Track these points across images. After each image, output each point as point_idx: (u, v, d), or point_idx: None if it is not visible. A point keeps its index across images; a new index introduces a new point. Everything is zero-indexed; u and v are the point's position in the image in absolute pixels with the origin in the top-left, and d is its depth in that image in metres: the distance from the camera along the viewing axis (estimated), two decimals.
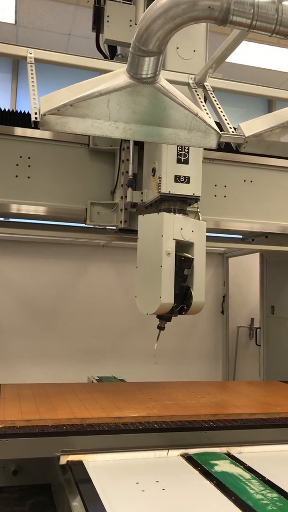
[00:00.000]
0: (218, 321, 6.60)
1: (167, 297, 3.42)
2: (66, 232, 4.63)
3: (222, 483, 2.45)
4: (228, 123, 3.10)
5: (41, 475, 3.61)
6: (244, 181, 4.85)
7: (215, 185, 4.73)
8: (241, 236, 5.45)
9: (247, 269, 6.55)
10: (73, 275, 6.01)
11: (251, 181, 4.86)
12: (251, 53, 6.23)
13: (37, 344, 5.75)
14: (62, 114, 2.63)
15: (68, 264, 5.98)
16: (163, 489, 2.41)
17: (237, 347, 6.62)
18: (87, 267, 6.07)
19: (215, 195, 4.73)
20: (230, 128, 3.06)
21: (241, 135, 2.93)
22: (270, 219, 4.91)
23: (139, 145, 4.09)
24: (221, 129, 3.07)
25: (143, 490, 2.38)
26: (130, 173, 4.01)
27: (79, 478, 2.51)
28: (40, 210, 4.21)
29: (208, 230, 4.80)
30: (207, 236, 5.06)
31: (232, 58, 6.32)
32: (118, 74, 2.61)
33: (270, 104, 7.31)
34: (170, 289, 3.43)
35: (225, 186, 4.77)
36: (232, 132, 3.03)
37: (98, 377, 5.36)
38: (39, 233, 4.57)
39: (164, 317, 3.64)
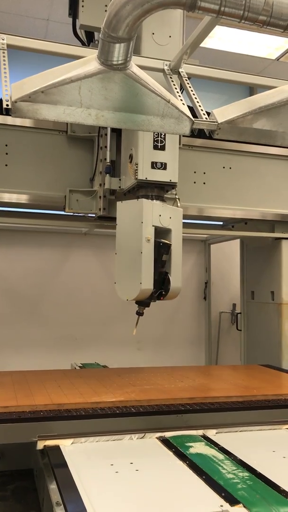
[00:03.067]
0: (201, 307, 6.65)
1: (147, 283, 3.47)
2: (45, 220, 4.62)
3: (195, 464, 2.49)
4: (202, 110, 3.12)
5: (23, 460, 3.65)
6: (223, 167, 4.88)
7: (194, 172, 4.76)
8: (221, 223, 5.50)
9: (229, 256, 6.60)
10: (56, 263, 6.01)
11: (230, 168, 4.90)
12: (231, 39, 6.21)
13: (19, 332, 5.76)
14: (34, 101, 2.63)
15: (50, 252, 5.97)
16: (137, 470, 2.46)
17: (220, 332, 6.69)
18: (70, 255, 6.07)
19: (194, 182, 4.76)
20: (204, 114, 3.07)
21: (214, 122, 2.94)
22: (250, 205, 4.97)
23: (117, 132, 4.09)
24: (195, 116, 3.10)
25: (116, 472, 2.43)
26: (108, 160, 4.02)
27: (55, 462, 2.54)
28: (19, 198, 4.21)
29: (189, 217, 4.88)
30: (187, 223, 5.13)
31: (212, 44, 6.34)
32: (89, 61, 2.60)
33: (251, 91, 7.31)
34: (150, 275, 3.48)
35: (204, 173, 4.80)
36: (206, 118, 3.04)
37: (81, 363, 5.39)
38: (18, 221, 4.56)
39: (143, 303, 3.69)
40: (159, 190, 3.65)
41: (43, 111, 2.67)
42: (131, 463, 2.54)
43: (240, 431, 3.16)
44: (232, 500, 2.08)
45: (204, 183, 4.79)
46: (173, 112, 2.81)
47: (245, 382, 4.20)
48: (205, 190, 4.79)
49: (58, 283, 5.99)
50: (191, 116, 2.85)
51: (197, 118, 3.05)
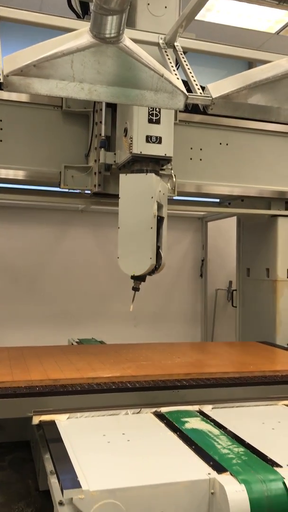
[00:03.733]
0: (197, 284, 6.70)
1: (154, 258, 3.53)
2: (42, 196, 4.61)
3: (188, 438, 2.52)
4: (196, 84, 3.09)
5: (20, 432, 3.73)
6: (220, 144, 4.85)
7: (191, 148, 4.74)
8: (218, 200, 5.49)
9: (225, 233, 6.61)
10: (53, 240, 6.03)
11: (227, 144, 4.87)
12: (230, 12, 6.09)
13: (17, 308, 5.81)
14: (26, 75, 2.61)
15: (47, 229, 5.99)
16: (128, 440, 2.52)
17: (216, 309, 6.75)
18: (67, 232, 6.09)
19: (191, 158, 4.74)
20: (199, 89, 3.05)
21: (208, 97, 2.92)
22: (247, 182, 4.95)
23: (113, 107, 4.06)
24: (191, 91, 3.07)
25: (108, 442, 2.49)
26: (103, 134, 3.99)
27: (50, 437, 2.57)
28: (14, 174, 4.19)
29: (185, 194, 4.88)
30: (184, 200, 5.13)
31: (211, 18, 6.21)
32: (81, 34, 2.57)
33: (251, 66, 7.20)
34: (155, 249, 3.53)
35: (200, 149, 4.78)
36: (200, 93, 3.01)
37: (78, 339, 5.45)
38: (14, 197, 4.55)
39: (140, 278, 3.69)
40: (154, 165, 3.64)
41: (36, 85, 2.65)
42: (123, 433, 2.60)
43: (237, 406, 3.17)
44: (219, 469, 2.15)
45: (200, 159, 4.77)
46: (167, 87, 2.78)
47: (242, 358, 4.22)
48: (202, 166, 4.77)
49: (56, 260, 6.02)
50: (185, 91, 2.83)
51: (192, 93, 3.02)
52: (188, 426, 2.70)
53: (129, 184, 3.53)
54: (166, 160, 3.64)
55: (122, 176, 3.55)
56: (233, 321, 6.05)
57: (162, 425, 2.77)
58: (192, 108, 3.01)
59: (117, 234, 3.55)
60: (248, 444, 2.47)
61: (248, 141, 4.93)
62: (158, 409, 2.99)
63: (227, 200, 5.32)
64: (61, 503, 2.01)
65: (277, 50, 3.96)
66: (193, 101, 2.91)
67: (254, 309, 5.43)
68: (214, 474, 2.11)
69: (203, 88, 3.05)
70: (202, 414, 2.96)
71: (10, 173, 4.17)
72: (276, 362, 4.13)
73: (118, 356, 3.98)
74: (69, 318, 5.97)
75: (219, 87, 2.95)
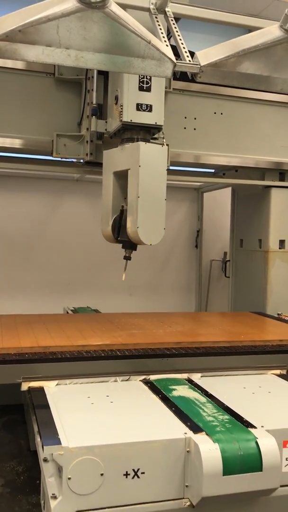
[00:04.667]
0: (192, 255, 6.74)
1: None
2: (35, 165, 4.60)
3: (171, 401, 2.59)
4: (186, 52, 3.05)
5: (14, 396, 3.82)
6: (215, 113, 4.81)
7: (185, 117, 4.70)
8: (212, 170, 5.48)
9: (221, 204, 6.60)
10: (48, 209, 6.03)
11: (222, 114, 4.83)
12: None
13: (13, 276, 5.86)
14: (11, 41, 2.58)
15: (43, 198, 5.99)
16: (111, 402, 2.61)
17: (210, 279, 6.80)
18: (62, 201, 6.09)
19: (185, 128, 4.71)
20: (188, 57, 3.01)
21: (196, 64, 2.89)
22: (241, 152, 4.93)
23: (105, 74, 4.01)
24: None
25: (92, 403, 2.59)
26: (95, 102, 3.97)
27: (37, 401, 2.64)
28: (5, 142, 4.17)
29: (179, 164, 4.87)
30: (178, 170, 5.12)
31: None
32: None
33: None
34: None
35: (195, 119, 4.74)
36: (189, 61, 2.98)
37: (73, 307, 5.52)
38: (6, 165, 4.53)
39: (132, 246, 3.71)
40: (144, 133, 3.62)
41: (22, 51, 2.62)
42: (107, 396, 2.70)
43: (226, 375, 3.21)
44: (195, 429, 2.24)
45: (194, 129, 4.74)
46: (154, 54, 2.75)
47: (234, 328, 4.22)
48: (196, 136, 4.74)
49: (51, 229, 6.04)
50: (173, 58, 2.80)
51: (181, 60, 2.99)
52: (175, 393, 2.75)
53: (149, 154, 3.47)
54: (157, 128, 3.61)
55: (142, 145, 3.46)
56: (226, 292, 6.11)
57: (147, 390, 2.84)
58: (179, 75, 2.97)
59: (133, 203, 3.49)
60: (226, 407, 2.55)
61: (243, 110, 4.88)
62: (147, 377, 3.04)
63: (221, 171, 5.30)
64: (45, 460, 2.12)
65: (277, 17, 3.87)
66: (181, 69, 2.88)
67: (246, 279, 5.48)
68: (190, 433, 2.20)
69: (192, 55, 3.01)
70: (191, 382, 3.01)
71: (2, 141, 4.15)
72: (267, 332, 4.16)
73: (110, 325, 4.02)
74: (64, 286, 6.03)
75: (208, 54, 2.92)
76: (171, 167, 4.59)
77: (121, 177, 3.64)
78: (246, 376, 3.21)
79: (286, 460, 2.30)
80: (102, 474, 2.06)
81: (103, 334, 3.61)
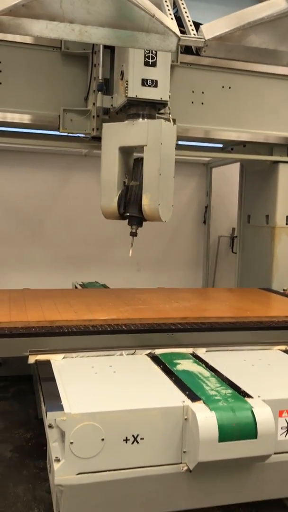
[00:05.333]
0: (200, 231, 6.76)
1: None
2: (42, 140, 4.61)
3: (173, 373, 2.64)
4: (190, 25, 3.03)
5: (23, 367, 3.92)
6: (223, 87, 4.76)
7: (192, 91, 4.67)
8: (221, 145, 5.45)
9: (230, 180, 6.56)
10: (57, 184, 6.07)
11: (230, 88, 4.78)
12: None
13: (22, 251, 5.94)
14: (15, 15, 2.58)
15: (51, 173, 6.02)
16: (114, 371, 2.70)
17: (218, 255, 6.83)
18: (70, 177, 6.11)
19: (192, 102, 4.68)
20: (193, 30, 2.99)
21: (201, 38, 2.87)
22: (249, 127, 4.89)
23: (111, 49, 3.99)
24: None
25: (96, 373, 2.67)
26: (100, 77, 3.96)
27: (43, 372, 2.71)
28: (13, 117, 4.19)
29: (186, 139, 4.85)
30: (185, 145, 5.10)
31: None
32: None
33: None
34: None
35: (202, 93, 4.70)
36: (194, 35, 2.96)
37: (81, 282, 5.60)
38: (13, 141, 4.54)
39: (140, 222, 3.73)
40: (150, 109, 3.61)
41: (26, 25, 2.63)
42: (111, 366, 2.78)
43: (231, 350, 3.23)
44: (193, 397, 2.31)
45: (202, 103, 4.71)
46: (158, 28, 2.74)
47: (240, 304, 4.21)
48: (204, 110, 4.71)
49: (60, 204, 6.09)
50: (177, 32, 2.78)
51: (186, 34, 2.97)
52: (179, 367, 2.78)
53: (166, 132, 3.49)
54: (162, 104, 3.60)
55: (163, 122, 3.49)
56: (234, 268, 6.14)
57: (152, 363, 2.88)
58: (183, 50, 2.95)
59: (152, 180, 3.53)
60: (226, 378, 2.62)
61: (252, 84, 4.82)
62: (153, 351, 3.07)
63: (229, 146, 5.27)
64: (50, 426, 2.22)
65: None
66: (185, 43, 2.86)
67: (253, 255, 5.51)
68: (188, 402, 2.28)
69: (197, 28, 2.99)
70: (196, 356, 3.03)
71: (9, 116, 4.18)
72: (274, 308, 4.17)
73: (117, 300, 4.04)
74: (73, 262, 6.09)
75: (213, 28, 2.89)
76: (179, 142, 4.58)
77: (125, 152, 3.65)
78: (250, 351, 3.23)
79: (282, 429, 2.37)
80: (102, 439, 2.15)
81: (109, 309, 3.64)
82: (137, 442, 2.19)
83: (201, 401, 2.28)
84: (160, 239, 6.40)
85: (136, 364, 2.90)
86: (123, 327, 3.22)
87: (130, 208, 3.66)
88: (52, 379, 2.59)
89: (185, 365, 2.83)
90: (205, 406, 2.23)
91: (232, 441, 2.16)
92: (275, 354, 3.22)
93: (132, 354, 3.05)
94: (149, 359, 2.96)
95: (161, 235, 6.36)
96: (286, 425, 2.38)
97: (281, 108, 4.94)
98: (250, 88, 4.82)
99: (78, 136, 4.36)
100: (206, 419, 2.16)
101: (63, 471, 2.12)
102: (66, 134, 4.31)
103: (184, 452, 2.25)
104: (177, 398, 2.34)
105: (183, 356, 3.00)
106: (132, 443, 2.19)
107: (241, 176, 5.85)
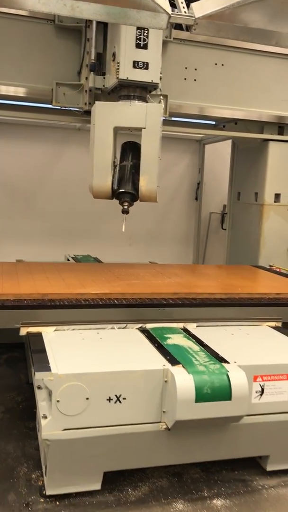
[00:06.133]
0: (192, 207, 6.85)
1: None
2: (35, 113, 4.66)
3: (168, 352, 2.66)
4: (182, 3, 3.08)
5: (16, 335, 4.05)
6: (215, 64, 4.80)
7: (185, 68, 4.70)
8: (213, 122, 5.50)
9: (223, 157, 6.62)
10: (50, 158, 6.12)
11: (223, 65, 4.82)
12: None
13: (16, 224, 6.02)
14: None
15: (45, 146, 6.06)
16: (100, 338, 2.84)
17: (208, 232, 6.95)
18: (64, 150, 6.15)
19: (185, 79, 4.72)
20: (184, 8, 3.05)
21: (191, 16, 2.93)
22: (241, 105, 4.95)
23: (104, 23, 4.01)
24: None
25: (83, 339, 2.81)
26: (93, 52, 4.00)
27: (34, 339, 2.81)
28: (7, 90, 4.23)
29: (178, 115, 4.91)
30: (179, 121, 5.15)
31: None
32: None
33: None
34: None
35: (195, 69, 4.74)
36: (185, 12, 3.02)
37: (74, 255, 5.71)
38: (6, 113, 4.59)
39: (134, 198, 3.79)
40: (141, 91, 3.67)
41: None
42: (98, 333, 2.92)
43: (221, 325, 3.26)
44: (173, 362, 2.46)
45: (195, 80, 4.75)
46: (149, 5, 2.79)
47: (232, 281, 4.22)
48: (196, 87, 4.76)
49: (53, 178, 6.14)
50: (167, 10, 2.84)
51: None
52: (169, 341, 2.81)
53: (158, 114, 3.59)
54: (153, 86, 3.65)
55: (160, 106, 3.63)
56: (224, 244, 6.26)
57: (141, 335, 2.94)
58: (174, 27, 3.01)
59: (151, 162, 3.65)
60: (207, 346, 2.77)
61: (245, 62, 4.86)
62: (144, 325, 3.10)
63: (222, 123, 5.34)
64: (39, 387, 2.36)
65: None
66: (175, 21, 2.92)
67: (242, 232, 5.63)
68: (168, 366, 2.44)
69: (188, 5, 3.04)
70: (186, 331, 3.07)
71: (3, 89, 4.22)
72: (265, 285, 4.17)
73: (110, 275, 4.06)
74: (66, 235, 6.18)
75: (203, 6, 2.94)
76: (173, 118, 4.64)
77: (116, 132, 3.71)
78: (240, 327, 3.28)
79: (256, 392, 2.53)
80: (87, 398, 2.30)
81: (102, 284, 3.65)
82: (120, 401, 2.35)
83: (181, 365, 2.43)
84: (152, 215, 6.50)
85: (125, 335, 2.96)
86: (115, 301, 3.24)
87: (124, 185, 3.72)
88: (42, 344, 2.71)
89: (176, 339, 2.87)
90: (184, 370, 2.38)
91: (208, 402, 2.31)
92: (263, 330, 3.29)
93: (124, 328, 3.08)
94: (139, 332, 3.01)
95: (153, 210, 6.44)
96: (260, 389, 2.54)
97: (273, 87, 5.00)
98: (243, 65, 4.86)
99: (71, 110, 4.42)
100: (184, 381, 2.31)
101: (50, 427, 2.28)
102: (59, 107, 4.36)
103: (164, 412, 2.41)
104: (159, 362, 2.49)
105: (173, 331, 3.03)
106: (115, 402, 2.35)
107: (232, 153, 5.93)
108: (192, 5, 2.98)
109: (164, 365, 2.43)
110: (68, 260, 5.58)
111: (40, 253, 5.76)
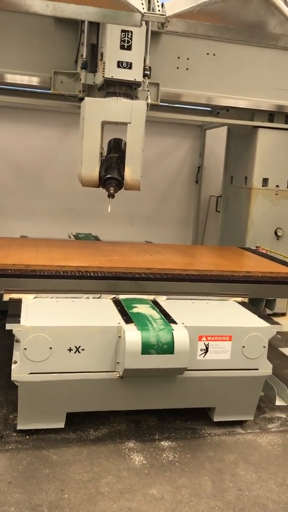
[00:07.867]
0: (192, 190, 7.15)
1: None
2: (36, 99, 5.02)
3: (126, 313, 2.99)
4: (157, 1, 3.38)
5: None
6: (207, 54, 5.06)
7: (178, 58, 4.99)
8: (209, 109, 5.77)
9: (223, 142, 6.87)
10: (56, 140, 6.48)
11: (214, 55, 5.08)
12: None
13: (23, 202, 6.43)
14: None
15: (52, 130, 6.41)
16: (73, 301, 3.24)
17: (208, 214, 7.24)
18: (70, 134, 6.48)
19: (177, 68, 5.00)
20: (158, 7, 3.35)
21: (163, 15, 3.24)
22: (232, 93, 5.20)
23: None
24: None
25: (57, 301, 3.22)
26: (85, 50, 4.33)
27: (14, 302, 3.12)
28: (11, 78, 4.62)
29: (171, 102, 5.20)
30: (177, 107, 5.44)
31: None
32: None
33: None
34: None
35: (187, 59, 5.02)
36: (159, 11, 3.32)
37: (75, 233, 6.08)
38: (8, 99, 4.97)
39: (120, 184, 4.12)
40: (126, 88, 4.01)
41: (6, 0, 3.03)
42: (73, 301, 3.26)
43: (190, 299, 3.49)
44: (128, 321, 2.85)
45: (187, 69, 5.03)
46: (124, 5, 3.11)
47: (212, 260, 4.37)
48: (188, 76, 5.04)
49: (58, 159, 6.49)
50: (140, 9, 3.15)
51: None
52: (135, 310, 3.05)
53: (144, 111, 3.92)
54: (137, 84, 3.99)
55: (145, 103, 3.98)
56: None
57: (111, 304, 3.24)
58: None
59: (135, 154, 3.99)
60: (164, 311, 3.13)
61: (236, 52, 5.10)
62: (117, 296, 3.33)
63: (216, 109, 5.61)
64: (16, 341, 2.79)
65: None
66: (148, 19, 3.24)
67: (234, 214, 5.93)
68: (122, 324, 2.83)
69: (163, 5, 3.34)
70: (155, 303, 3.30)
71: (8, 77, 4.59)
72: (241, 265, 4.25)
73: (96, 251, 4.24)
74: (71, 214, 6.54)
75: (175, 5, 3.25)
76: (169, 104, 4.91)
77: (103, 126, 4.03)
78: (209, 301, 3.49)
79: (201, 350, 2.90)
80: (50, 348, 2.72)
81: (85, 258, 3.82)
82: (79, 352, 2.76)
83: (133, 323, 2.81)
84: (154, 197, 6.82)
85: (97, 303, 3.27)
86: (92, 273, 3.44)
87: (110, 172, 4.06)
88: (19, 305, 3.04)
89: (141, 308, 3.12)
90: (134, 327, 2.77)
91: (153, 354, 2.70)
92: (228, 303, 3.53)
93: (98, 298, 3.33)
94: (111, 301, 3.28)
95: (155, 192, 6.78)
96: (205, 348, 2.91)
97: (264, 76, 5.23)
98: (234, 55, 5.10)
99: (68, 96, 4.77)
100: (133, 336, 2.70)
101: (18, 370, 2.71)
102: (57, 94, 4.72)
103: (117, 362, 2.81)
104: (115, 320, 2.88)
105: (142, 302, 3.26)
106: (75, 352, 2.76)
107: (228, 139, 6.21)
108: (165, 4, 3.29)
109: (119, 323, 2.82)
110: (70, 237, 5.93)
111: (45, 231, 6.09)
